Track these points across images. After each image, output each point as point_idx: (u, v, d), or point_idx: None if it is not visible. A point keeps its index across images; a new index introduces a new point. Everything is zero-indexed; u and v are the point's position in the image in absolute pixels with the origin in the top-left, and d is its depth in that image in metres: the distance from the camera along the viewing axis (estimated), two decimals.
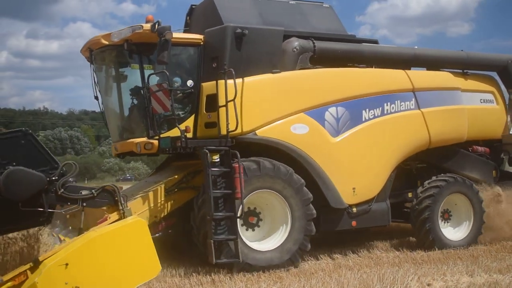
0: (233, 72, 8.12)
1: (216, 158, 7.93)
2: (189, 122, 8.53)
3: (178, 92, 8.59)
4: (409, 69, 10.56)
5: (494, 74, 11.58)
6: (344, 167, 9.13)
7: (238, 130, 8.32)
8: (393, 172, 9.79)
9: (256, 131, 8.52)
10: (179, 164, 9.29)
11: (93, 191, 6.31)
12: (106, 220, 6.33)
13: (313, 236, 8.60)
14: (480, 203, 9.98)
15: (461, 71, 11.01)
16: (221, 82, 8.28)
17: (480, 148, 11.12)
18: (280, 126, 8.68)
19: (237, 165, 7.76)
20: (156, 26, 7.90)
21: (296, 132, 8.77)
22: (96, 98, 9.31)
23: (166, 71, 8.12)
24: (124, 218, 6.30)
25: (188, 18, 10.03)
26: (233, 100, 8.09)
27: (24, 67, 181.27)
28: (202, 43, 8.74)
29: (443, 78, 10.55)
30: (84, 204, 6.25)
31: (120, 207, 6.31)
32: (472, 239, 9.85)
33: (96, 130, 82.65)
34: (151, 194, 8.25)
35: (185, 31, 9.78)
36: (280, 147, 8.54)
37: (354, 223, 9.26)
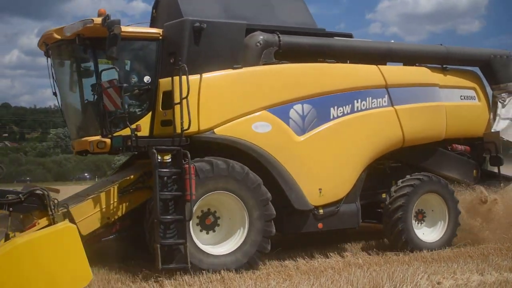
0: (186, 68, 7.76)
1: (167, 158, 7.60)
2: (146, 119, 8.21)
3: (135, 88, 8.28)
4: (385, 64, 10.15)
5: (477, 70, 11.11)
6: (310, 167, 8.74)
7: (194, 129, 7.98)
8: (364, 172, 9.38)
9: (215, 130, 8.15)
10: (142, 163, 8.95)
11: (20, 195, 5.99)
12: (35, 225, 6.01)
13: (321, 234, 8.78)
14: (456, 204, 9.57)
15: (440, 66, 10.54)
16: (177, 78, 7.93)
17: (460, 147, 10.68)
18: (240, 124, 8.31)
19: (192, 165, 7.42)
20: (106, 20, 7.58)
21: (258, 130, 8.40)
22: (55, 94, 8.99)
23: (116, 67, 7.79)
24: (54, 223, 5.98)
25: (154, 11, 9.67)
26: (186, 97, 7.73)
27: (35, 65, 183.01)
28: (160, 37, 8.39)
29: (419, 73, 10.11)
30: (11, 209, 5.93)
31: (50, 212, 5.98)
32: (447, 241, 9.44)
33: None
34: (103, 195, 7.94)
35: (151, 25, 9.46)
36: (238, 146, 8.18)
37: (320, 225, 8.88)
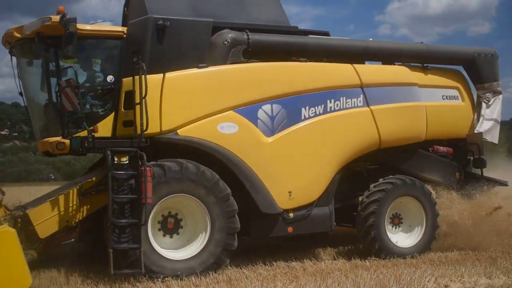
0: (145, 67, 7.56)
1: (124, 160, 7.39)
2: (109, 120, 7.99)
3: (99, 88, 8.08)
4: (363, 63, 9.86)
5: (462, 69, 10.76)
6: (279, 169, 8.48)
7: (156, 130, 7.78)
8: (338, 174, 9.10)
9: (178, 131, 7.93)
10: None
11: None
12: None
13: (329, 235, 8.86)
14: (433, 206, 9.25)
15: (420, 65, 10.20)
16: (138, 78, 7.73)
17: (442, 148, 10.33)
18: (205, 125, 8.07)
19: (148, 168, 7.21)
20: (63, 18, 7.38)
21: (224, 131, 8.15)
22: (21, 94, 8.81)
23: (73, 66, 7.60)
24: None
25: (125, 9, 9.48)
26: (145, 97, 7.50)
27: None
28: (124, 35, 8.17)
29: (397, 72, 9.79)
30: None
31: None
32: (425, 245, 9.12)
33: None
34: (61, 197, 7.76)
35: (122, 24, 9.28)
36: (201, 147, 7.94)
37: (290, 229, 8.61)
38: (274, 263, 8.33)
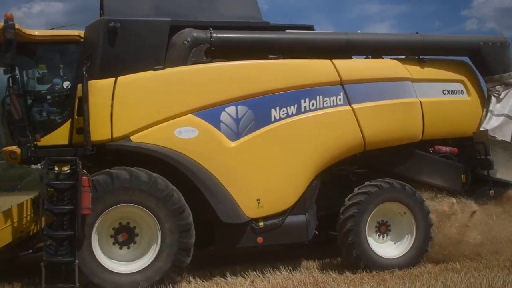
0: (84, 72, 7.32)
1: (66, 169, 7.10)
2: (66, 127, 7.71)
3: (56, 94, 7.87)
4: (350, 57, 9.08)
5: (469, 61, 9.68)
6: (245, 176, 7.90)
7: (106, 136, 7.46)
8: (316, 179, 8.40)
9: (131, 137, 7.55)
10: None
11: None
12: None
13: None
14: (426, 215, 8.31)
15: (416, 57, 9.25)
16: (91, 83, 7.45)
17: (445, 148, 9.31)
18: (161, 130, 7.64)
19: (85, 177, 6.88)
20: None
21: (182, 136, 7.68)
22: None
23: (17, 73, 7.42)
24: None
25: (101, 11, 9.23)
26: (85, 103, 7.20)
27: None
28: (81, 40, 7.91)
29: (385, 67, 8.91)
30: None
31: None
32: (414, 258, 8.18)
33: None
34: (15, 208, 7.65)
35: None
36: (154, 154, 7.50)
37: (260, 239, 7.99)
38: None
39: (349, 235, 7.98)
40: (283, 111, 8.14)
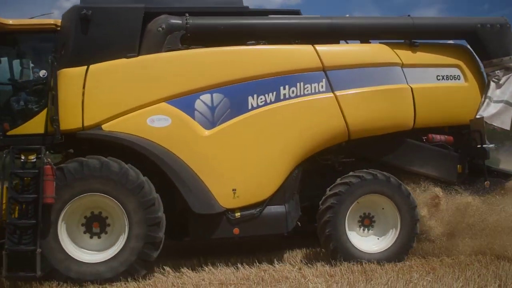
0: (53, 61, 7.36)
1: (32, 158, 7.09)
2: (42, 116, 7.71)
3: (33, 83, 7.88)
4: (338, 43, 8.73)
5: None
6: (220, 165, 7.71)
7: (77, 125, 7.43)
8: (298, 169, 8.13)
9: (102, 126, 7.49)
10: None
11: None
12: None
13: None
14: (412, 209, 7.91)
15: (408, 42, 8.79)
16: (63, 71, 7.45)
17: (439, 137, 8.84)
18: (133, 118, 7.54)
19: (48, 166, 6.86)
20: None
21: (154, 125, 7.56)
22: None
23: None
24: None
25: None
26: (52, 92, 7.18)
27: None
28: (58, 28, 7.88)
29: (371, 52, 8.51)
30: None
31: None
32: (397, 253, 7.81)
33: None
34: None
35: None
36: (124, 142, 7.40)
37: (236, 230, 7.80)
38: (410, 255, 7.95)
39: (326, 226, 7.70)
40: (261, 98, 7.89)
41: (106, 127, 7.47)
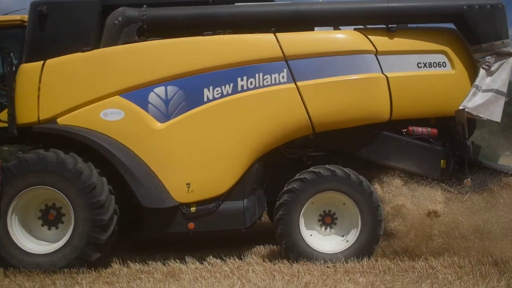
0: (12, 56, 7.58)
1: None
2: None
3: (2, 79, 8.15)
4: (313, 30, 8.28)
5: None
6: (174, 159, 7.61)
7: (33, 119, 7.62)
8: (257, 163, 7.86)
9: (58, 119, 7.61)
10: None
11: None
12: None
13: None
14: (375, 208, 7.38)
15: (384, 27, 8.15)
16: (21, 66, 7.68)
17: (421, 129, 8.16)
18: (87, 112, 7.61)
19: None
20: None
21: (107, 118, 7.58)
22: None
23: None
24: None
25: None
26: (7, 86, 7.46)
27: None
28: (25, 24, 8.09)
29: (340, 39, 7.96)
30: None
31: None
32: (356, 253, 7.32)
33: None
34: None
35: None
36: (75, 136, 7.47)
37: (191, 225, 7.67)
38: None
39: (279, 224, 7.39)
40: (217, 90, 7.67)
41: (61, 121, 7.59)
